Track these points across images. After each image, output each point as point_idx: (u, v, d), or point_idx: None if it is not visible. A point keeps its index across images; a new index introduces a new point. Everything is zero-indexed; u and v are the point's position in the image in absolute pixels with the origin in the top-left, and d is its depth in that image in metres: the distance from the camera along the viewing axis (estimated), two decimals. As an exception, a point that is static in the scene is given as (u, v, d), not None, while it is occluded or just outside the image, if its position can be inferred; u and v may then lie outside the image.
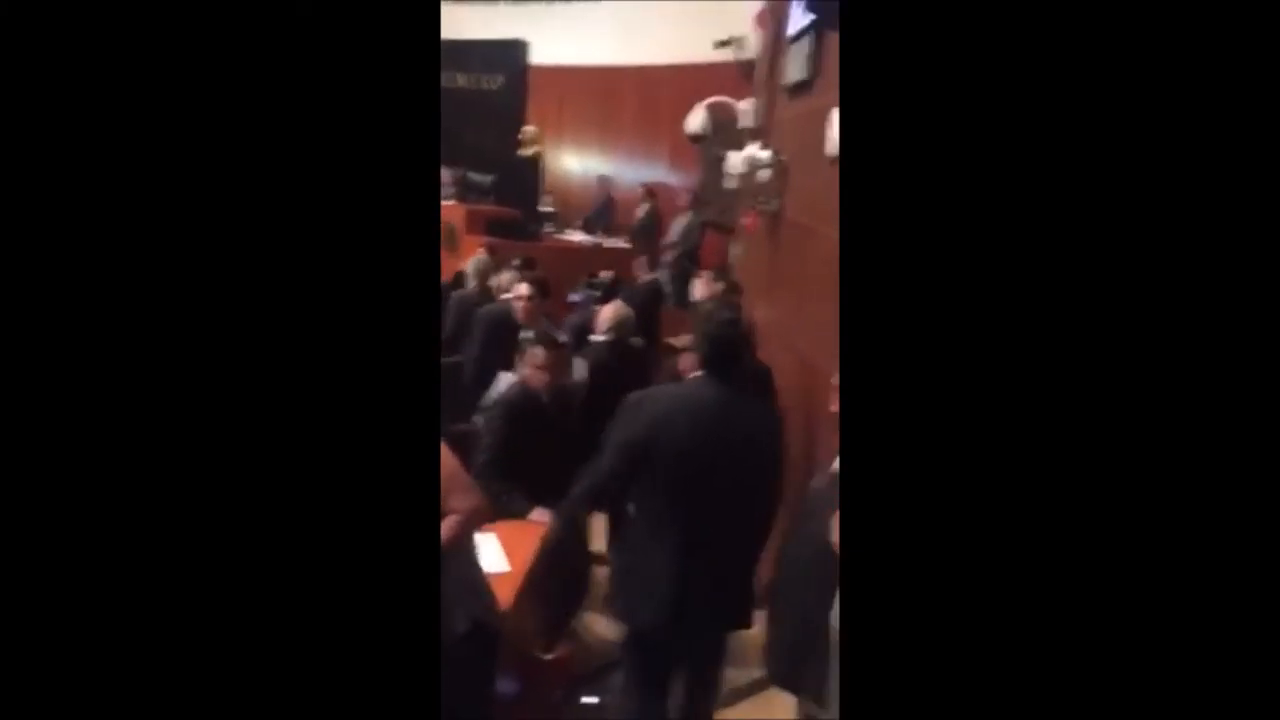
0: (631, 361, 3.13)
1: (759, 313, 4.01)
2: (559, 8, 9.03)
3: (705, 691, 2.09)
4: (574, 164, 8.85)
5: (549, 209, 7.68)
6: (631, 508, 1.96)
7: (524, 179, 7.05)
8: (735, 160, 3.68)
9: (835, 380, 1.97)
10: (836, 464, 1.82)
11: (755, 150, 3.70)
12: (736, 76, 6.01)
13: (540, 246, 6.13)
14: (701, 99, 4.91)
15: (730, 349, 1.88)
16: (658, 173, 8.28)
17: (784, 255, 3.63)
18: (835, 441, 1.80)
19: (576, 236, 7.39)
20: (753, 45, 5.83)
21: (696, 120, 4.38)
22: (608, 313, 3.29)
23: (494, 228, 6.04)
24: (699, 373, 1.90)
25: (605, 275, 5.49)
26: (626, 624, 2.00)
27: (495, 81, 8.04)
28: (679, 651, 1.99)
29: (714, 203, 5.93)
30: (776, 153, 3.62)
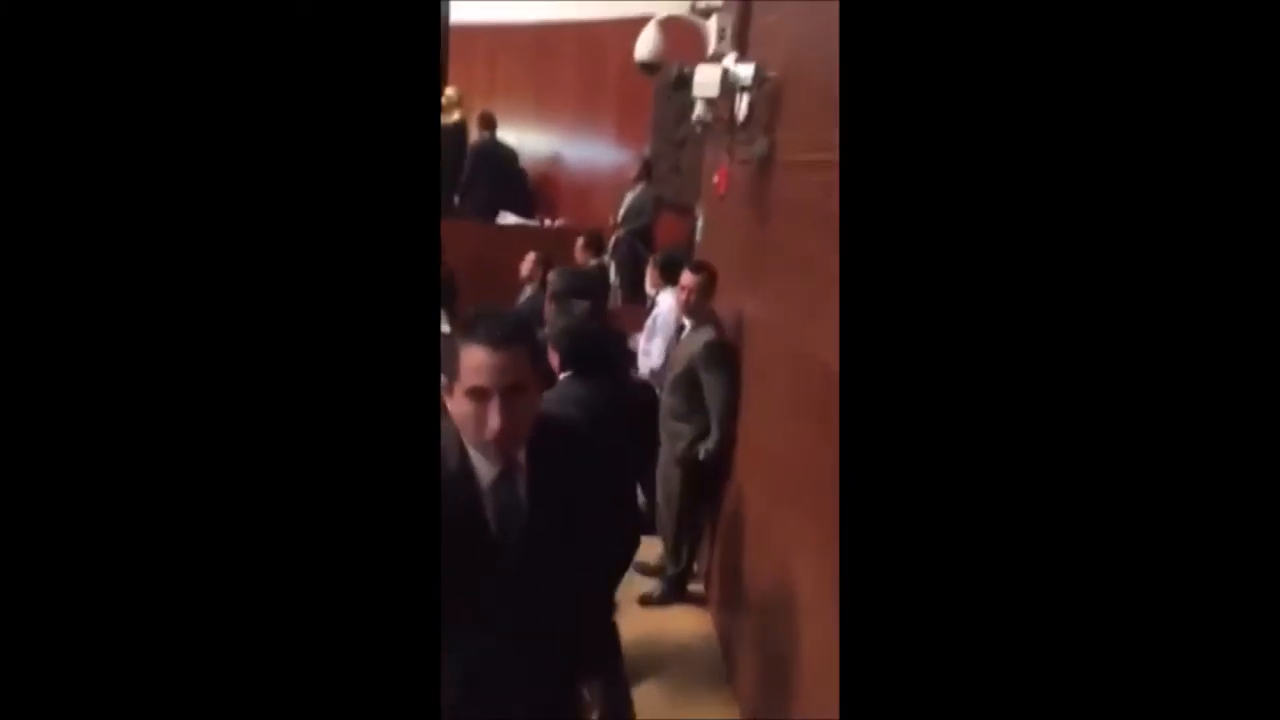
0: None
1: (746, 304, 2.91)
2: (485, -44, 7.85)
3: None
4: (507, 138, 7.68)
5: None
6: None
7: (447, 150, 5.92)
8: (705, 79, 2.55)
9: None
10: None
11: (731, 64, 2.57)
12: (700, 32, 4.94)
13: (465, 228, 4.96)
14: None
15: (591, 345, 1.88)
16: (601, 149, 7.16)
17: (777, 217, 2.52)
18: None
19: (510, 219, 6.25)
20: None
21: (647, 43, 3.22)
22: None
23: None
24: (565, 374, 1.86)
25: (528, 262, 4.34)
26: None
27: (409, 38, 6.85)
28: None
29: (668, 161, 4.85)
30: (762, 68, 2.51)
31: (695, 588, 3.43)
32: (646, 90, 6.41)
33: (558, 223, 6.10)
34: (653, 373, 3.65)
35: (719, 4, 3.48)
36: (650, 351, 3.71)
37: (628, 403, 2.05)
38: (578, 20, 7.11)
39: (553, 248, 4.70)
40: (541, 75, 7.72)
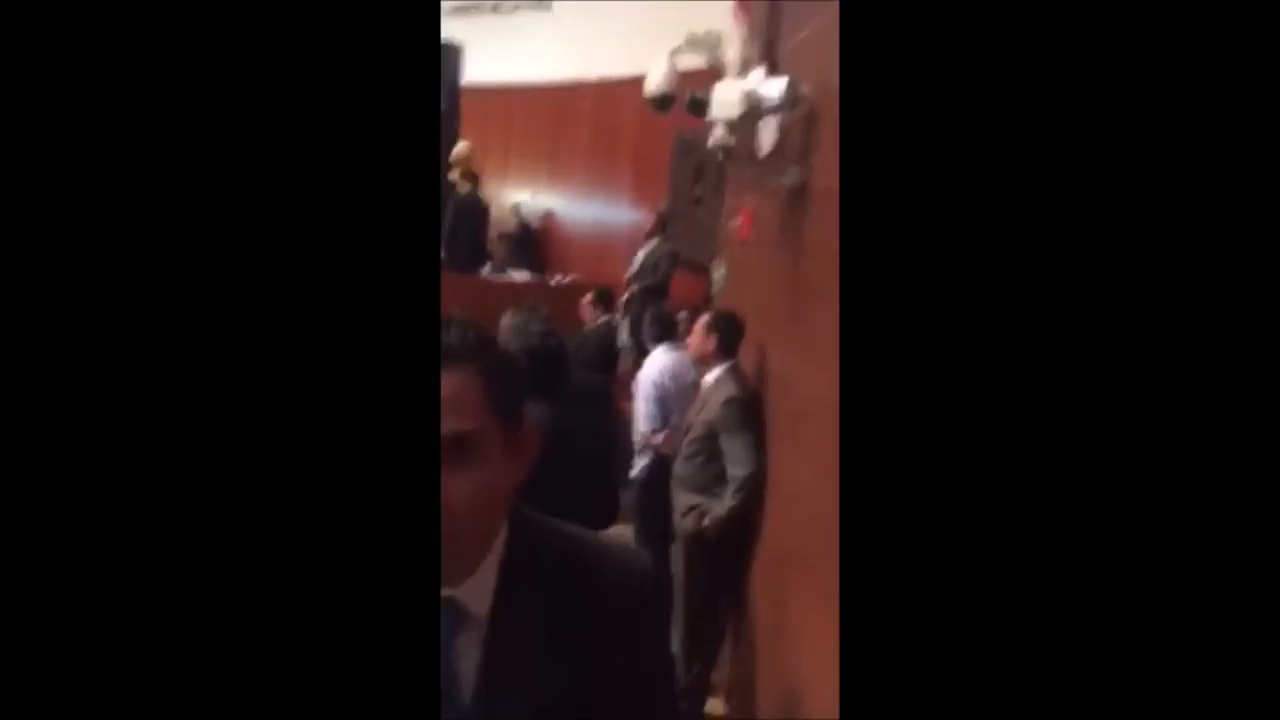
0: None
1: (778, 354, 2.53)
2: (499, 19, 7.79)
3: None
4: (522, 197, 7.47)
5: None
6: None
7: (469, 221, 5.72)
8: (724, 98, 2.21)
9: None
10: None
11: (758, 81, 2.24)
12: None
13: (467, 281, 4.65)
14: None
15: (549, 364, 1.78)
16: (616, 208, 6.93)
17: (814, 252, 2.16)
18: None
19: (521, 276, 5.97)
20: (733, 43, 4.54)
21: (657, 74, 2.87)
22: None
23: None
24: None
25: (585, 304, 4.03)
26: None
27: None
28: None
29: (685, 218, 4.55)
30: (795, 82, 2.18)
31: (714, 705, 2.88)
32: (663, 150, 6.24)
33: (568, 279, 5.79)
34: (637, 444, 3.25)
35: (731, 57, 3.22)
36: (636, 416, 3.29)
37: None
38: (595, 79, 6.98)
39: (560, 303, 4.36)
40: (557, 134, 7.58)
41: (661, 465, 3.03)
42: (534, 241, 7.18)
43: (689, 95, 2.54)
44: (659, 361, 3.25)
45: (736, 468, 2.50)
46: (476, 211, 6.03)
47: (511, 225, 7.09)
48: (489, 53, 7.12)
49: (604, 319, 4.46)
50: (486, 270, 5.93)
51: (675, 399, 3.16)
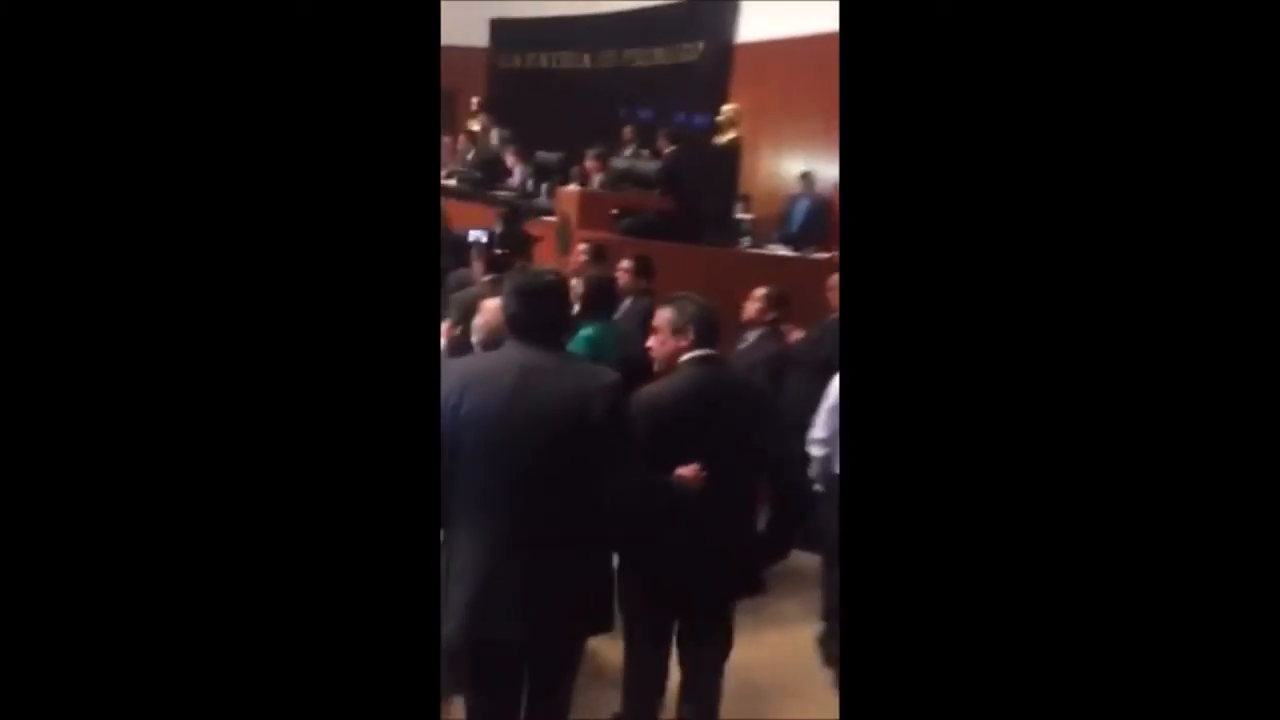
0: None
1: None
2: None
3: (549, 709, 1.72)
4: (771, 162, 6.74)
5: (746, 215, 5.75)
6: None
7: (715, 170, 5.21)
8: None
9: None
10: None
11: None
12: None
13: (700, 252, 4.17)
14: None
15: (537, 304, 1.63)
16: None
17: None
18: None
19: (780, 251, 5.33)
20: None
21: None
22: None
23: (635, 226, 4.19)
24: (508, 338, 1.66)
25: (755, 300, 3.27)
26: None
27: (693, 51, 6.31)
28: (494, 661, 1.65)
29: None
30: None
31: None
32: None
33: (827, 255, 5.03)
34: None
35: None
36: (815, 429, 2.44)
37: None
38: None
39: (797, 280, 3.68)
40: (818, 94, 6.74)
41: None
42: (823, 213, 6.41)
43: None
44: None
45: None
46: (733, 161, 5.50)
47: (800, 193, 6.35)
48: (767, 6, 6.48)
49: (800, 339, 3.55)
50: (745, 244, 5.37)
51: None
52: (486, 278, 3.01)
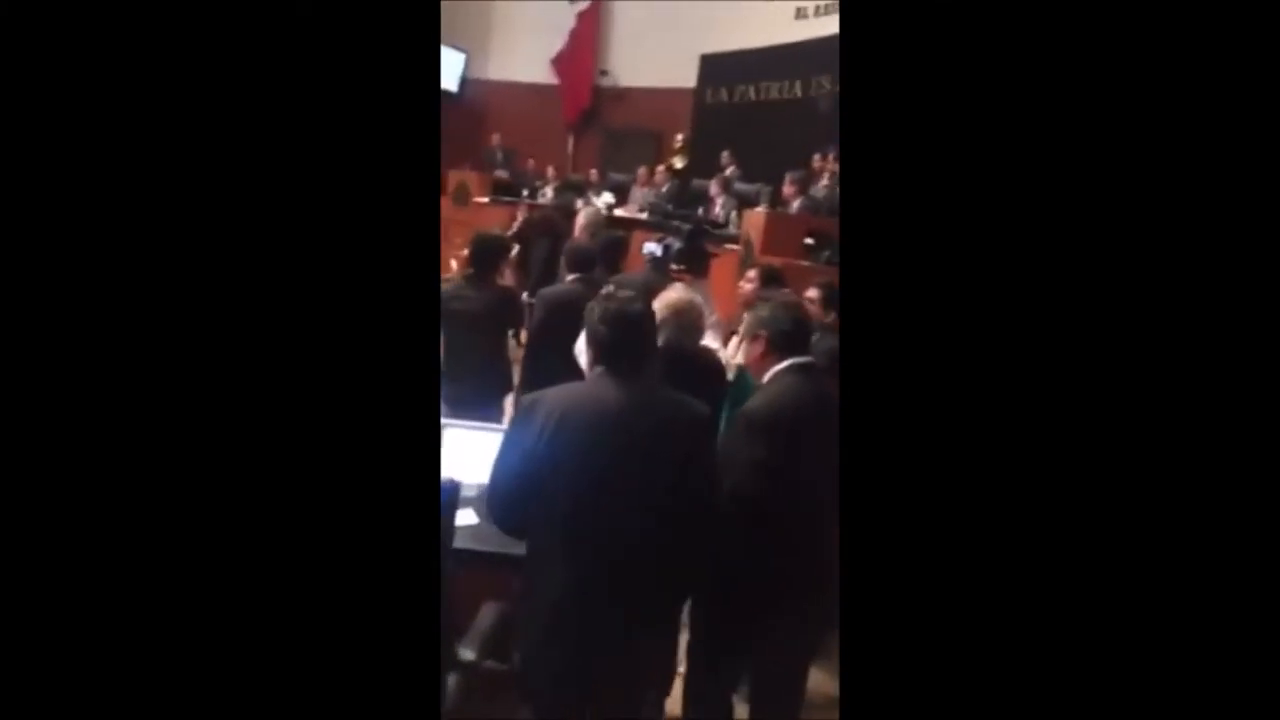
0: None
1: None
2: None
3: None
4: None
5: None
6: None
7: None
8: None
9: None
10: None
11: None
12: None
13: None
14: None
15: (625, 335, 1.58)
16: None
17: None
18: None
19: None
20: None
21: None
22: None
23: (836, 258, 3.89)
24: (598, 368, 1.61)
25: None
26: (520, 685, 1.61)
27: (823, 85, 6.32)
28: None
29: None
30: None
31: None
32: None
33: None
34: None
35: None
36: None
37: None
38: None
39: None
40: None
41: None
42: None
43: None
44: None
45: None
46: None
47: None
48: None
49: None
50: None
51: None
52: (571, 276, 2.94)
